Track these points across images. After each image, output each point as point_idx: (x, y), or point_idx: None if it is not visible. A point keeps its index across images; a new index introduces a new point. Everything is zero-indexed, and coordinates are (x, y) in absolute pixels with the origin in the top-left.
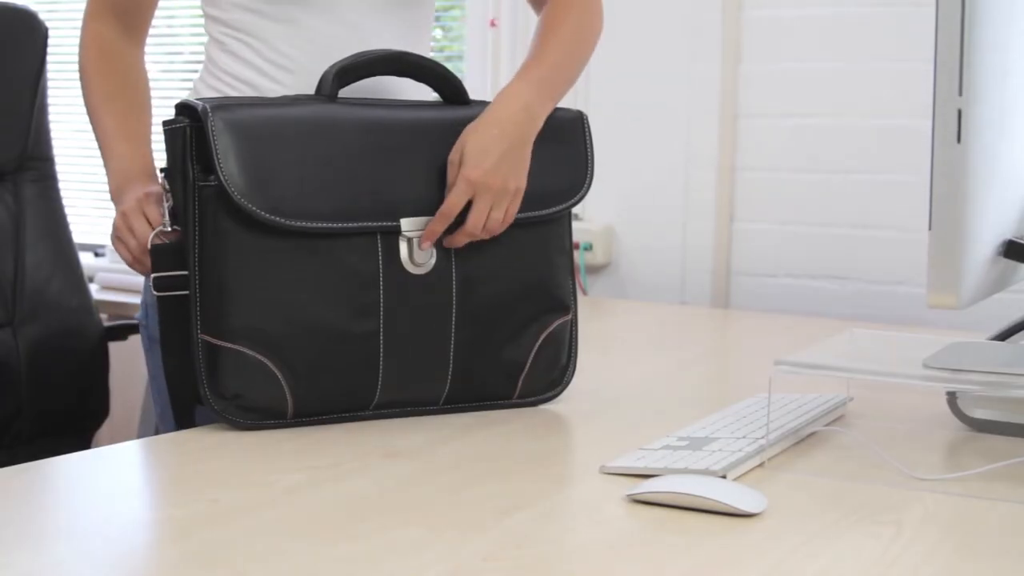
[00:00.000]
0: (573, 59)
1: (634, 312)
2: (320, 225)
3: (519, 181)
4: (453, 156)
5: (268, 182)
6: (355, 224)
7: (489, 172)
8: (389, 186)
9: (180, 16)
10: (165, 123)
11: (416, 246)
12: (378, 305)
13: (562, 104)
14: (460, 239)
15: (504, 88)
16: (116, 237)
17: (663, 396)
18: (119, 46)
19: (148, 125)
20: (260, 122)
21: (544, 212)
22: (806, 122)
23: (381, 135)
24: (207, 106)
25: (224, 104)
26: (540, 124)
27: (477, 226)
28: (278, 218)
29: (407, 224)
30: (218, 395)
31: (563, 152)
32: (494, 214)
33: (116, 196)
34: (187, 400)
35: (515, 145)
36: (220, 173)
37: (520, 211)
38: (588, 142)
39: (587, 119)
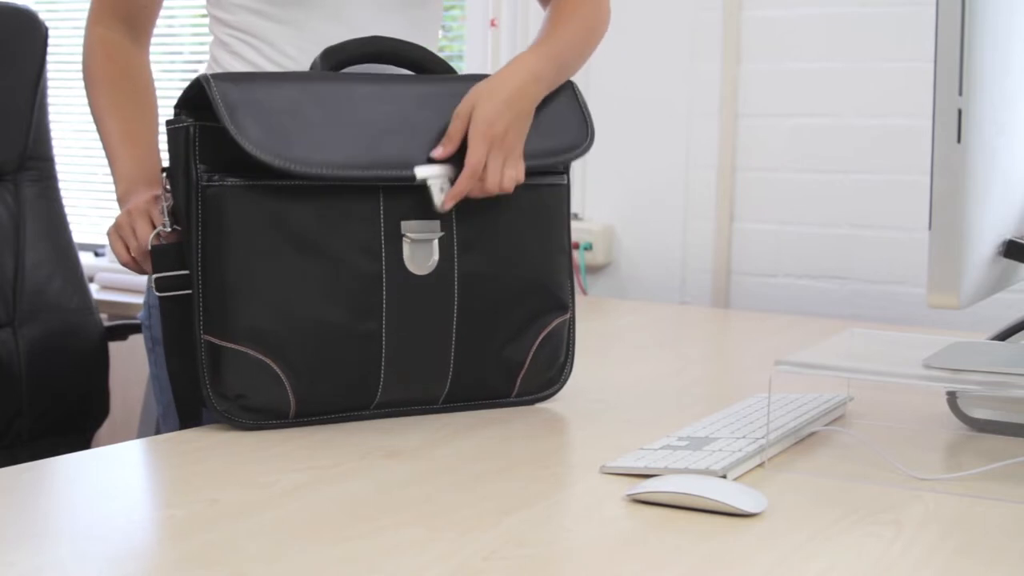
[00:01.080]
0: (582, 46)
1: (634, 312)
2: (332, 173)
3: (523, 147)
4: (460, 110)
5: (278, 135)
6: (370, 173)
7: (500, 134)
8: (397, 140)
9: (180, 16)
10: (168, 123)
11: (417, 249)
12: (380, 305)
13: None
14: (475, 193)
15: (516, 56)
16: (116, 235)
17: (663, 396)
18: (125, 50)
19: (155, 129)
20: (262, 81)
21: (552, 160)
22: (806, 122)
23: (381, 95)
24: (208, 75)
25: (223, 74)
26: (544, 94)
27: (496, 183)
28: (293, 166)
29: (422, 172)
30: (220, 395)
31: (561, 111)
32: (508, 172)
33: (123, 200)
34: (192, 401)
35: (521, 114)
36: (228, 124)
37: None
38: (582, 103)
39: (576, 85)
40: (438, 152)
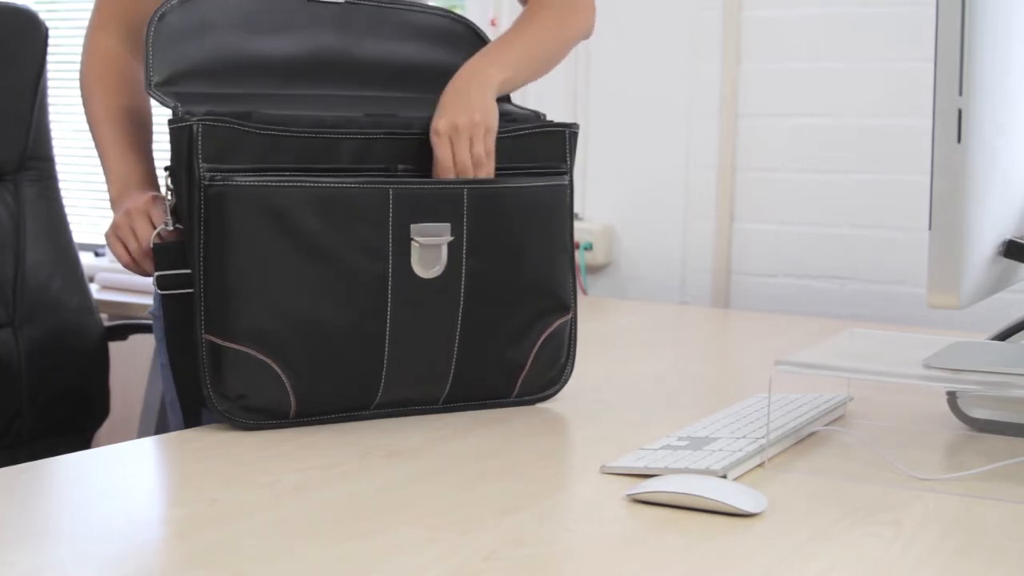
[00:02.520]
0: (540, 50)
1: (634, 312)
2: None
3: (483, 116)
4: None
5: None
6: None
7: (449, 117)
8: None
9: None
10: (170, 121)
11: (426, 252)
12: (385, 308)
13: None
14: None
15: (471, 63)
16: (115, 236)
17: (663, 396)
18: (124, 59)
19: (149, 136)
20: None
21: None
22: (806, 122)
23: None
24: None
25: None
26: (493, 78)
27: (465, 164)
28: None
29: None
30: (221, 395)
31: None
32: (475, 149)
33: (116, 204)
34: (195, 400)
35: (462, 90)
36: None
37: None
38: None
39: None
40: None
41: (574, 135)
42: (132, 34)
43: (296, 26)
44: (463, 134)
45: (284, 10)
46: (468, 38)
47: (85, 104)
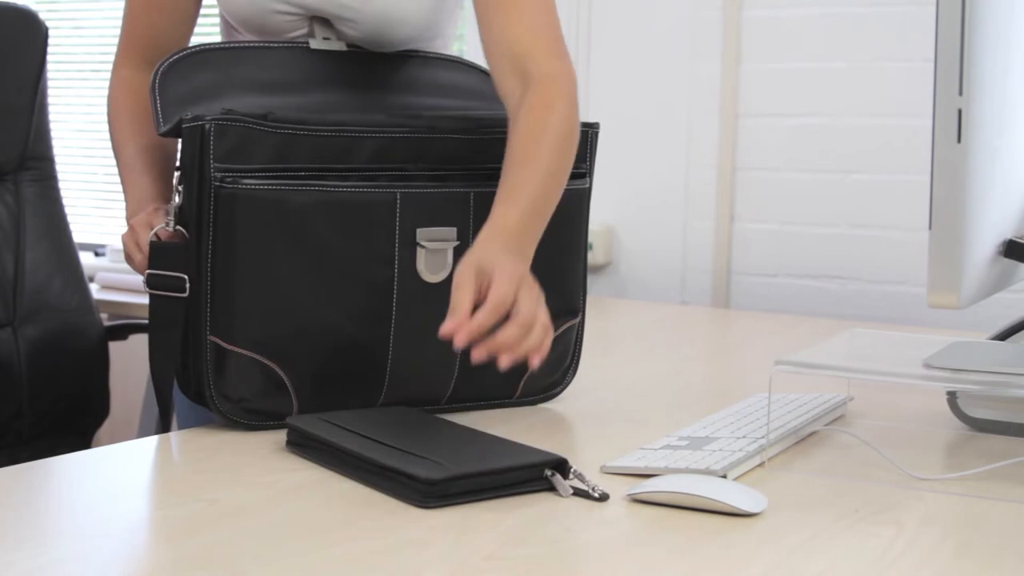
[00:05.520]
0: (557, 177)
1: (634, 312)
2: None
3: (547, 319)
4: (461, 279)
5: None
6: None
7: (513, 271)
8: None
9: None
10: (183, 121)
11: (432, 257)
12: (390, 312)
13: None
14: (504, 343)
15: (490, 228)
16: (126, 254)
17: (663, 396)
18: (146, 93)
19: (171, 166)
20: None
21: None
22: (806, 122)
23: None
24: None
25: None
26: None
27: (531, 314)
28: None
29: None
30: (224, 397)
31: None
32: (533, 338)
33: (130, 222)
34: (170, 397)
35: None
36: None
37: None
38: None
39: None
40: (447, 327)
41: (595, 135)
42: (153, 68)
43: (303, 81)
44: (534, 291)
45: (291, 66)
46: (482, 85)
47: (110, 132)
